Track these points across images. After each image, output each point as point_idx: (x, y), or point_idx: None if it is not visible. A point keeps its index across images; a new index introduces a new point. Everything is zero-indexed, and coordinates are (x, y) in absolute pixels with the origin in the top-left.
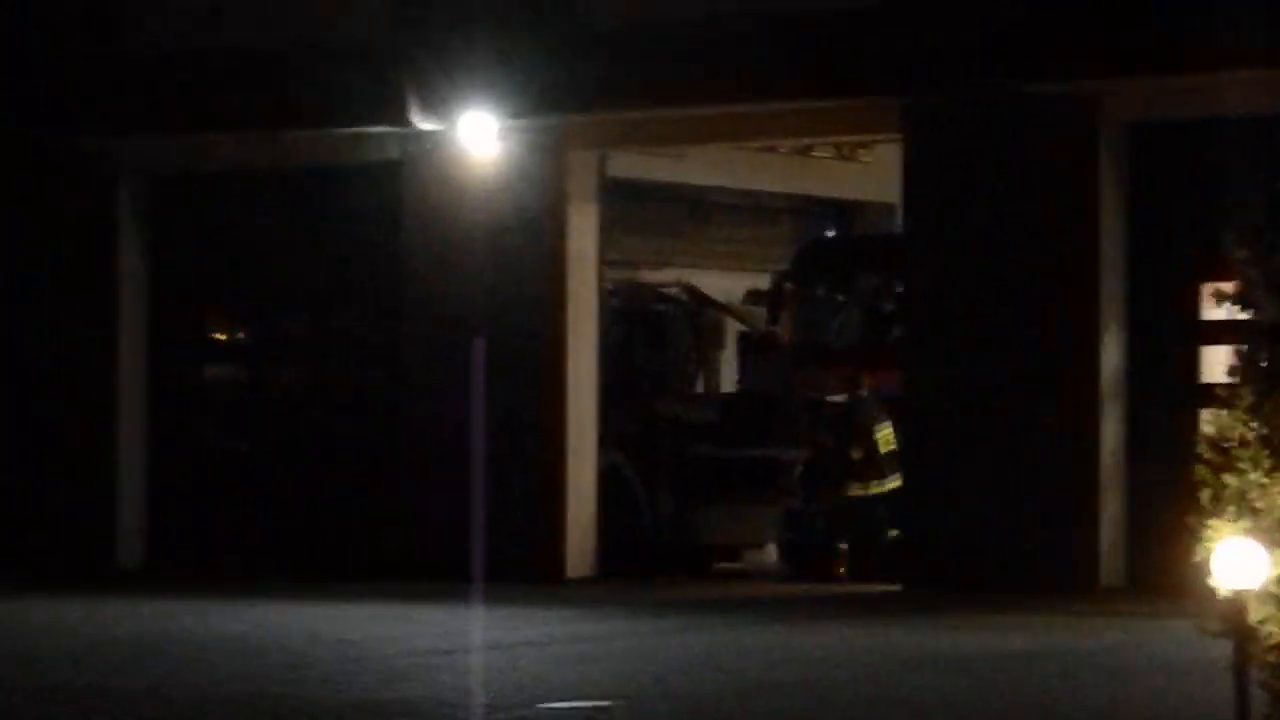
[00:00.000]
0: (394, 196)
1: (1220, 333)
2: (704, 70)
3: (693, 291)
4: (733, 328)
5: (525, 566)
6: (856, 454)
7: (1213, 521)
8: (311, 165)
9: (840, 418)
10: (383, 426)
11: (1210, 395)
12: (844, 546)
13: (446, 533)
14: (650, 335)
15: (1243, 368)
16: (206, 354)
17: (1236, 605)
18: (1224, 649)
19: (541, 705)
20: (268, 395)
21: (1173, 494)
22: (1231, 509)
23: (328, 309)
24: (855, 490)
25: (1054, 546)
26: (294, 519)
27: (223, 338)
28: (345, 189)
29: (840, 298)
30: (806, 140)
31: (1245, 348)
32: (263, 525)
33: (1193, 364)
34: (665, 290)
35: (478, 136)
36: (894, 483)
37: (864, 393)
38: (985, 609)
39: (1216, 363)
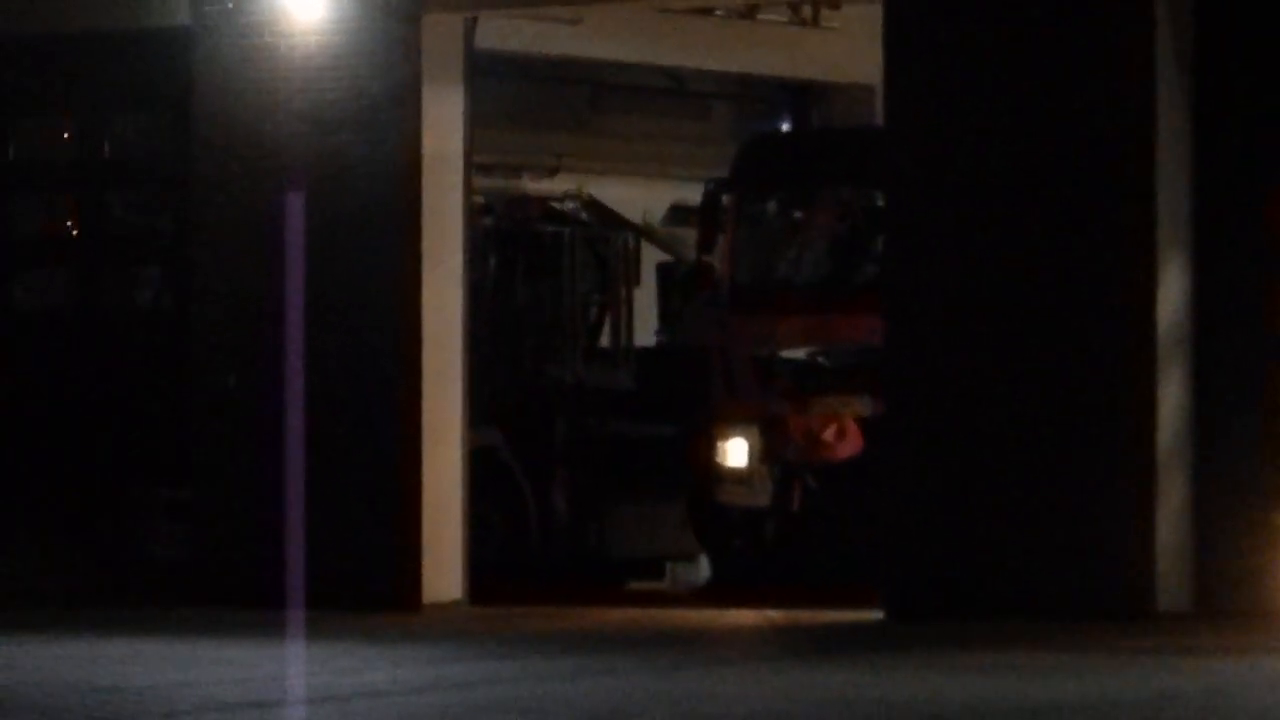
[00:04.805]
0: (180, 77)
1: None
2: None
3: (595, 207)
4: (651, 257)
5: (365, 587)
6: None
7: None
8: (63, 33)
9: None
10: (165, 400)
11: None
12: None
13: (254, 540)
14: (537, 268)
15: None
16: None
17: None
18: None
19: None
20: None
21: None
22: None
23: (90, 254)
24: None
25: (1090, 561)
26: (28, 513)
27: None
28: (112, 68)
29: (797, 216)
30: None
31: None
32: None
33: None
34: (558, 205)
35: None
36: None
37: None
38: (994, 644)
39: None
